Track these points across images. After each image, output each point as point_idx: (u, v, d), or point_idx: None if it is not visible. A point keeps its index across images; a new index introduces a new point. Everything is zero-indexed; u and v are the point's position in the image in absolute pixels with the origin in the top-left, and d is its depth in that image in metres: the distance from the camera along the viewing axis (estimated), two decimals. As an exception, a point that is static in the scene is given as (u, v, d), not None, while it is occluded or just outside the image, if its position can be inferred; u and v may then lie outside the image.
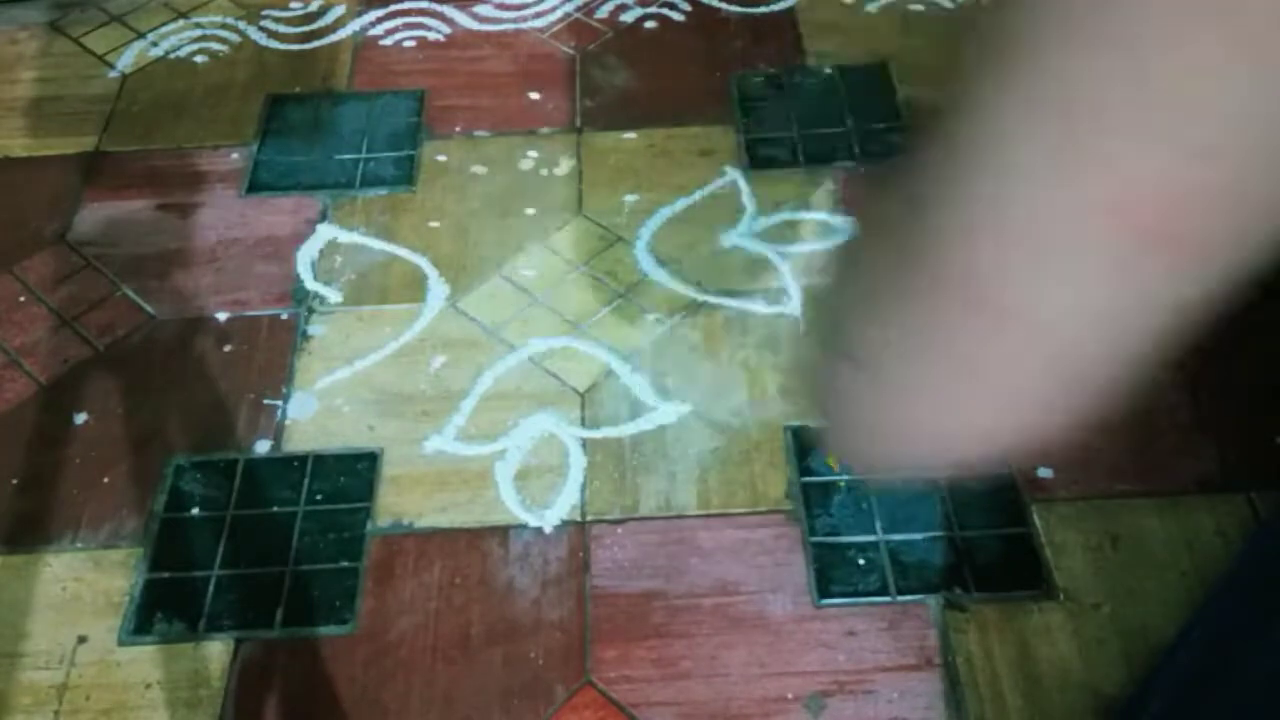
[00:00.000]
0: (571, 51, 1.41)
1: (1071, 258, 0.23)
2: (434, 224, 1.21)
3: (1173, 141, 0.22)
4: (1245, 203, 0.23)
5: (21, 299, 1.15)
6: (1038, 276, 0.24)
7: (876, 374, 0.28)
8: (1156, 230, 0.23)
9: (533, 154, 1.28)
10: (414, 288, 1.15)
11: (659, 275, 1.15)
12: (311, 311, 1.13)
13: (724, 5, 1.46)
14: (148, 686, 0.88)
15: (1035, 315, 0.25)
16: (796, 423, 1.02)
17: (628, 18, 1.45)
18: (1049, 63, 0.22)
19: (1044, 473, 0.98)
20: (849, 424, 0.31)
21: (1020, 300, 0.25)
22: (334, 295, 1.15)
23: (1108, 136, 0.22)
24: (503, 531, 0.96)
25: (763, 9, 1.45)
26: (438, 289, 1.15)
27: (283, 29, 1.45)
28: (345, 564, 0.94)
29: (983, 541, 0.94)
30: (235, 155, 1.29)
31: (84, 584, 0.94)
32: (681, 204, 1.22)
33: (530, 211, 1.22)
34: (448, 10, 1.47)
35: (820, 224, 1.20)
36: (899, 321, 0.27)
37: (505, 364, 1.08)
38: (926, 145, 0.27)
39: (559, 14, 1.46)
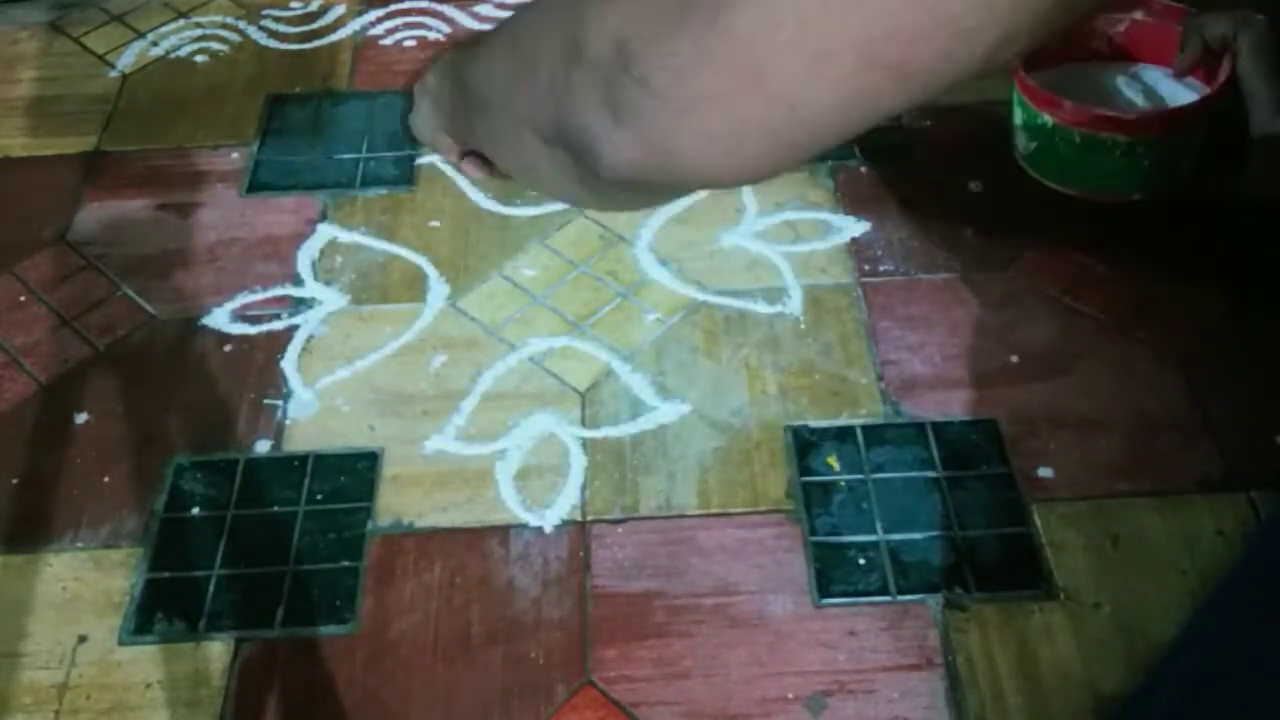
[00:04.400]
0: (572, 51, 1.40)
1: (823, 59, 0.30)
2: (434, 224, 1.21)
3: None
4: (958, 36, 0.29)
5: (22, 299, 1.15)
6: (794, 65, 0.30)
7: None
8: (890, 61, 0.29)
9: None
10: (414, 287, 1.15)
11: (659, 275, 1.15)
12: (312, 311, 1.13)
13: (724, 5, 1.46)
14: (148, 686, 0.88)
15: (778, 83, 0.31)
16: (797, 422, 1.03)
17: (628, 17, 1.45)
18: None
19: (1044, 473, 0.98)
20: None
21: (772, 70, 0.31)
22: (334, 295, 1.15)
23: None
24: (503, 531, 0.96)
25: (763, 9, 1.45)
26: (438, 288, 1.15)
27: (283, 28, 1.45)
28: (346, 564, 0.94)
29: (983, 541, 0.94)
30: (235, 155, 1.29)
31: (84, 584, 0.94)
32: (682, 203, 1.22)
33: (530, 211, 1.22)
34: (448, 10, 1.47)
35: (821, 223, 1.20)
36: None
37: (505, 364, 1.08)
38: None
39: (559, 14, 1.45)
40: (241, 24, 1.46)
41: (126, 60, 1.41)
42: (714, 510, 0.97)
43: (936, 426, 1.02)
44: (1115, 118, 1.11)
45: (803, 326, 1.10)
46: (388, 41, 1.43)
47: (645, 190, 0.42)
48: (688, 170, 0.35)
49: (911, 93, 0.31)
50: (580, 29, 0.36)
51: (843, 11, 0.29)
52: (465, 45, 0.54)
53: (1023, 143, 1.18)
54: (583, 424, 1.03)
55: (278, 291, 1.15)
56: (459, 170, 0.57)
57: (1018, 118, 1.17)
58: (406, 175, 1.26)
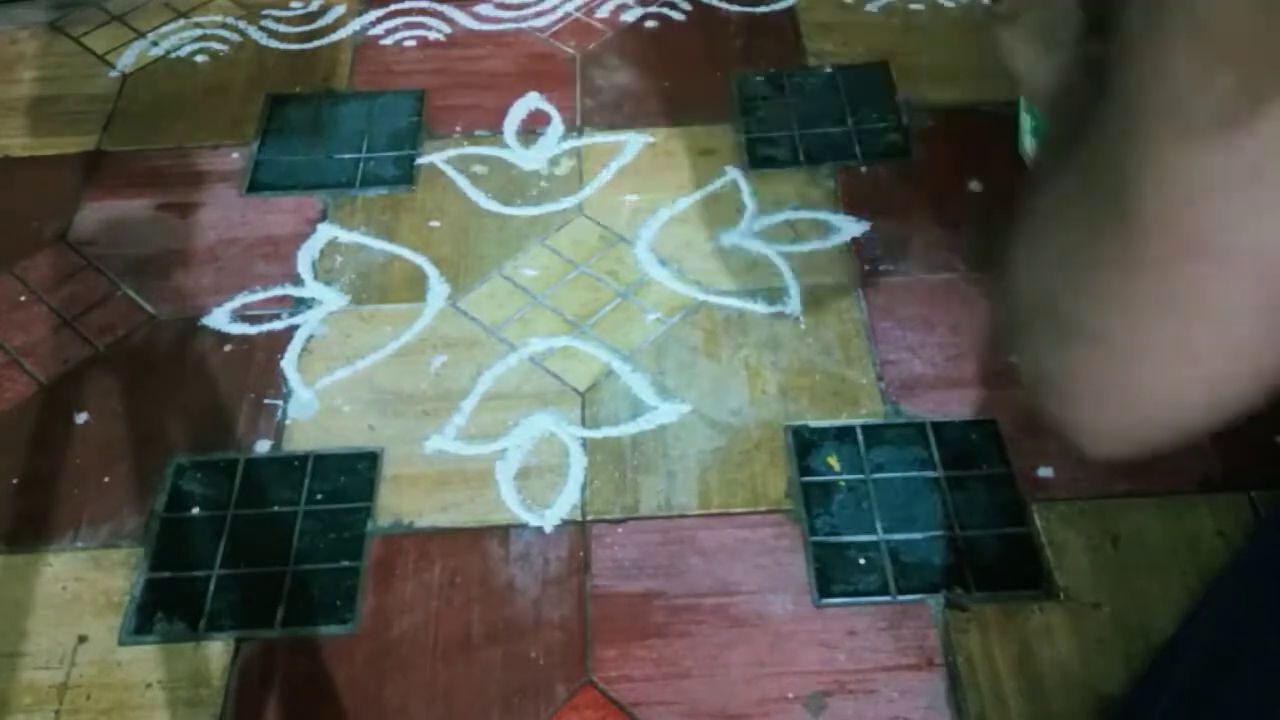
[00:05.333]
0: (572, 51, 1.41)
1: None
2: (434, 224, 1.21)
3: None
4: None
5: (22, 299, 1.15)
6: (1260, 214, 0.25)
7: (1098, 339, 0.29)
8: None
9: (533, 153, 1.28)
10: (414, 287, 1.15)
11: (659, 275, 1.15)
12: (312, 311, 1.13)
13: (724, 5, 1.46)
14: (148, 686, 0.88)
15: (1259, 249, 0.26)
16: (797, 422, 1.03)
17: (628, 17, 1.45)
18: None
19: (1044, 472, 0.98)
20: (1078, 399, 0.31)
21: (1243, 237, 0.26)
22: (334, 295, 1.15)
23: None
24: (503, 531, 0.96)
25: (763, 9, 1.45)
26: (438, 288, 1.15)
27: (283, 29, 1.45)
28: (346, 563, 0.94)
29: (983, 541, 0.94)
30: (235, 155, 1.29)
31: (84, 584, 0.94)
32: (682, 203, 1.22)
33: (530, 211, 1.22)
34: (448, 10, 1.47)
35: (820, 223, 1.20)
36: (1107, 283, 0.28)
37: (505, 364, 1.08)
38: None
39: (559, 14, 1.46)
40: (241, 24, 1.46)
41: (126, 60, 1.41)
42: (714, 510, 0.97)
43: (936, 426, 1.02)
44: None
45: (803, 326, 1.10)
46: (388, 41, 1.43)
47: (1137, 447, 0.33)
48: (1182, 410, 0.30)
49: None
50: (1007, 283, 0.32)
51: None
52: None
53: (1033, 147, 1.17)
54: (583, 424, 1.03)
55: (278, 291, 1.15)
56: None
57: (1026, 123, 1.17)
58: (406, 175, 1.26)
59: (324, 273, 1.17)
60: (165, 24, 1.46)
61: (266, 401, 1.06)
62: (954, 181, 1.23)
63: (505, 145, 1.29)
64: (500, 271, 1.16)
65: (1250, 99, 0.24)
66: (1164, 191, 0.26)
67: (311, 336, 1.11)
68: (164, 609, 0.92)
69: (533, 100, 1.34)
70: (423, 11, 1.47)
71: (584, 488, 0.99)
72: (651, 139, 1.29)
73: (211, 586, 0.93)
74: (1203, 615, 0.40)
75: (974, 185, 1.22)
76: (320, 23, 1.46)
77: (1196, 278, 0.26)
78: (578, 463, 1.00)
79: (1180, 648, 0.41)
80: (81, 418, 1.05)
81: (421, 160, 1.28)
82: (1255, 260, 0.26)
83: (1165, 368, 0.29)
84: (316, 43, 1.43)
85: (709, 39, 1.41)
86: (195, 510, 0.98)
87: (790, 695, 0.86)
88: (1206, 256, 0.26)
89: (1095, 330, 0.29)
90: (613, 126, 1.31)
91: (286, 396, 1.06)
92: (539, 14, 1.46)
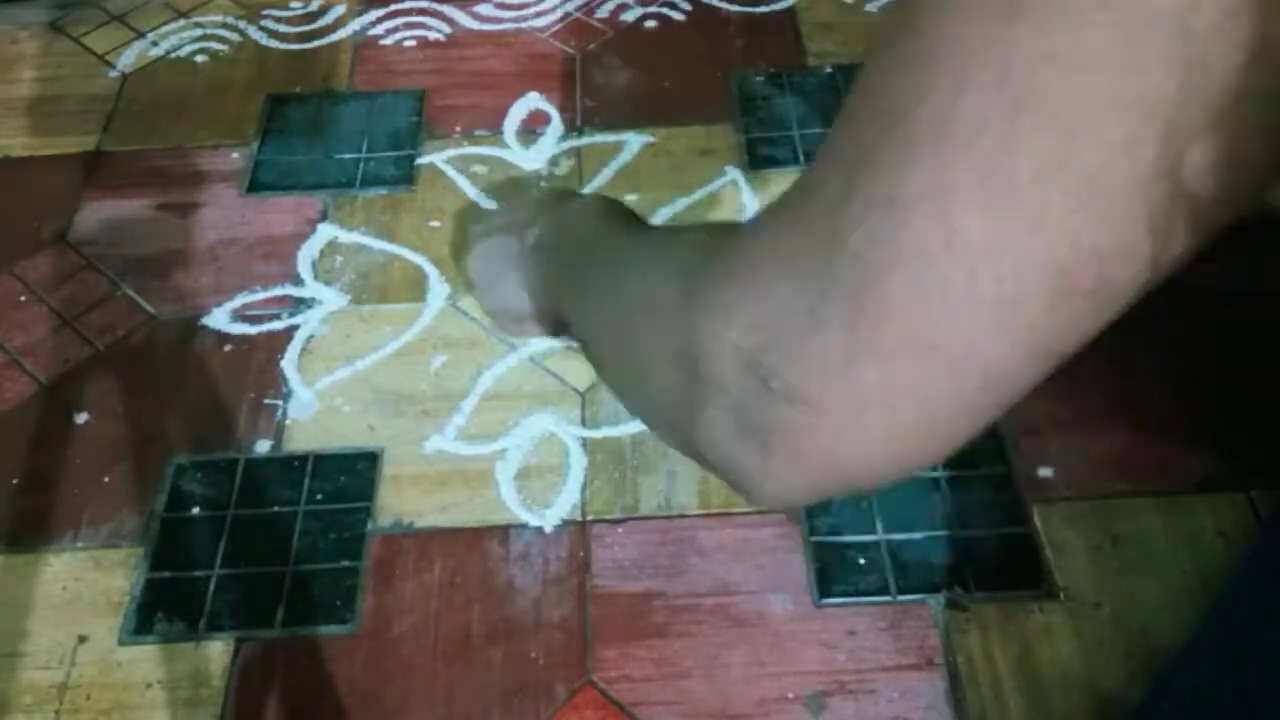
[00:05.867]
0: (572, 51, 1.41)
1: (1007, 306, 0.26)
2: (434, 224, 1.21)
3: (1108, 212, 0.25)
4: (1154, 260, 0.27)
5: (22, 299, 1.15)
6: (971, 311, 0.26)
7: (805, 402, 0.29)
8: (1084, 285, 0.26)
9: (533, 153, 1.28)
10: (414, 287, 1.15)
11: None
12: (312, 311, 1.13)
13: (724, 5, 1.46)
14: (148, 686, 0.88)
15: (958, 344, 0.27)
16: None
17: (628, 17, 1.45)
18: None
19: (1044, 472, 0.98)
20: (772, 456, 0.31)
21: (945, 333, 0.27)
22: (334, 295, 1.15)
23: (1058, 206, 0.25)
24: (503, 531, 0.96)
25: (763, 9, 1.45)
26: (438, 288, 1.15)
27: (283, 29, 1.45)
28: (345, 564, 0.94)
29: (983, 541, 0.94)
30: (235, 155, 1.29)
31: (84, 583, 0.94)
32: (682, 203, 1.22)
33: (530, 211, 1.22)
34: (448, 10, 1.47)
35: (820, 224, 1.20)
36: (825, 343, 0.28)
37: (505, 363, 1.08)
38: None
39: (559, 14, 1.46)
40: (241, 24, 1.46)
41: (126, 60, 1.41)
42: (714, 510, 0.97)
43: (936, 426, 1.02)
44: None
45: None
46: (388, 41, 1.43)
47: (820, 499, 0.34)
48: (873, 473, 0.30)
49: (1115, 308, 0.28)
50: (691, 342, 0.30)
51: (1019, 248, 0.25)
52: (545, 229, 0.46)
53: None
54: (583, 424, 1.03)
55: (278, 291, 1.15)
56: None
57: None
58: (406, 175, 1.26)
59: (324, 273, 1.17)
60: (165, 24, 1.46)
61: (266, 401, 1.06)
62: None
63: (505, 145, 1.29)
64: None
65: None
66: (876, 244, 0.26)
67: (311, 336, 1.11)
68: (164, 609, 0.92)
69: (533, 100, 1.34)
70: (423, 11, 1.47)
71: (584, 488, 0.99)
72: (651, 139, 1.29)
73: (211, 586, 0.93)
74: (1209, 619, 0.40)
75: (974, 185, 1.22)
76: (320, 23, 1.46)
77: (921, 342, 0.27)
78: (578, 463, 1.00)
79: (1187, 653, 0.41)
80: (81, 418, 1.05)
81: (421, 160, 1.28)
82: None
83: (871, 438, 0.28)
84: (316, 43, 1.43)
85: (709, 39, 1.41)
86: (195, 510, 0.98)
87: (790, 695, 0.86)
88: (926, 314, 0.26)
89: (807, 397, 0.28)
90: (613, 126, 1.31)
91: (286, 396, 1.06)
92: (539, 14, 1.46)
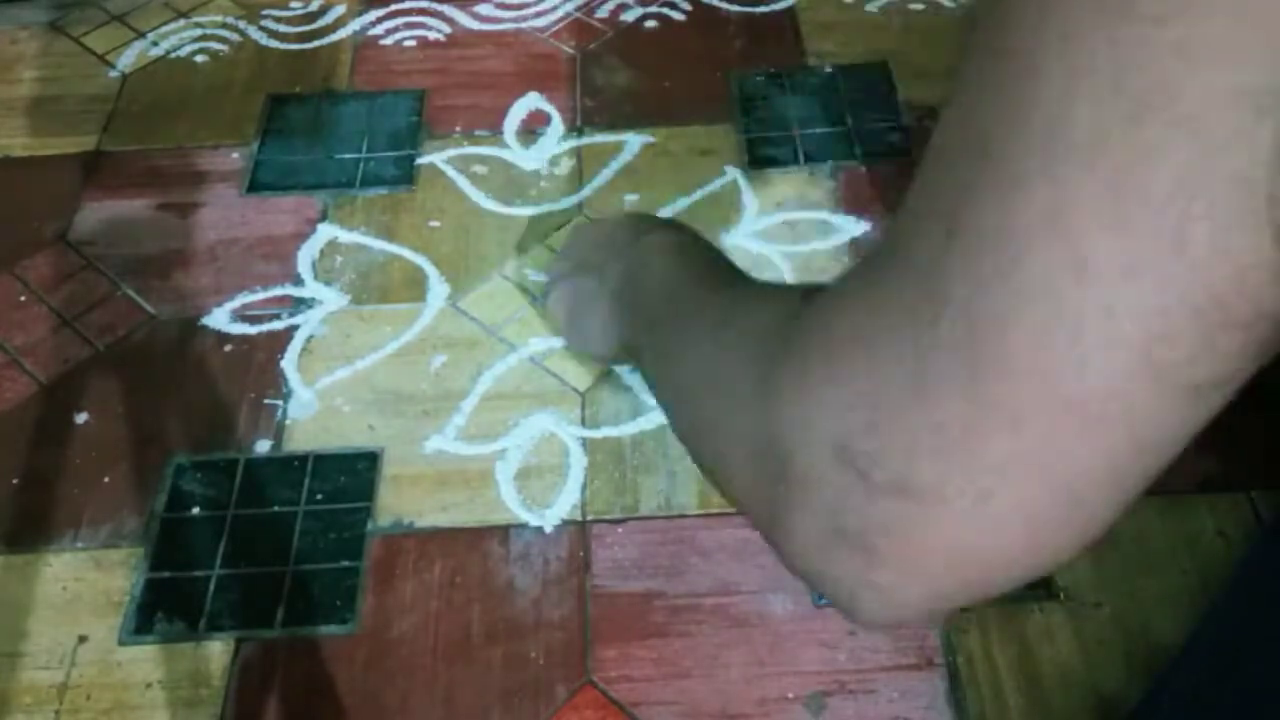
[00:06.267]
0: (572, 51, 1.41)
1: (1157, 344, 0.22)
2: (434, 224, 1.21)
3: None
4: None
5: (22, 299, 1.15)
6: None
7: (921, 491, 0.24)
8: (1250, 316, 0.22)
9: (533, 153, 1.28)
10: (414, 287, 1.15)
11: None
12: (312, 311, 1.13)
13: (724, 5, 1.46)
14: (148, 686, 0.88)
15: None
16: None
17: (628, 17, 1.45)
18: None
19: (1044, 472, 0.98)
20: (884, 562, 0.26)
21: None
22: (334, 295, 1.15)
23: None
24: (503, 531, 0.96)
25: (763, 9, 1.45)
26: (438, 288, 1.15)
27: (283, 29, 1.45)
28: (346, 563, 0.94)
29: (983, 541, 0.94)
30: (235, 155, 1.29)
31: (84, 583, 0.94)
32: (682, 203, 1.22)
33: (530, 211, 1.22)
34: (448, 10, 1.47)
35: (821, 223, 1.20)
36: (934, 417, 0.24)
37: (505, 363, 1.08)
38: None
39: (559, 14, 1.46)
40: (241, 24, 1.46)
41: (126, 60, 1.41)
42: (714, 510, 0.97)
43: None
44: None
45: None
46: (388, 41, 1.43)
47: (940, 614, 0.29)
48: (1007, 570, 0.25)
49: (1275, 341, 0.23)
50: (772, 433, 0.26)
51: (1163, 274, 0.21)
52: (626, 268, 0.42)
53: None
54: (583, 424, 1.03)
55: (278, 291, 1.15)
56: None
57: None
58: (406, 175, 1.26)
59: (324, 273, 1.17)
60: (165, 24, 1.46)
61: (266, 401, 1.06)
62: (954, 181, 1.23)
63: (505, 145, 1.29)
64: (500, 271, 1.16)
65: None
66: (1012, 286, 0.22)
67: (311, 336, 1.11)
68: (164, 609, 0.92)
69: (533, 100, 1.34)
70: (423, 11, 1.47)
71: (584, 488, 0.99)
72: (651, 139, 1.29)
73: (211, 586, 0.93)
74: (1208, 618, 0.40)
75: (974, 185, 1.22)
76: (320, 23, 1.46)
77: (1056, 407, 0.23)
78: (578, 463, 1.00)
79: (1186, 652, 0.41)
80: (81, 418, 1.05)
81: (421, 160, 1.28)
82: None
83: (1000, 524, 0.24)
84: (316, 43, 1.43)
85: (709, 39, 1.41)
86: (195, 510, 0.98)
87: (790, 695, 0.86)
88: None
89: (918, 483, 0.24)
90: (613, 126, 1.31)
91: (286, 396, 1.06)
92: (539, 14, 1.46)
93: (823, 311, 0.27)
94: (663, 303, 0.40)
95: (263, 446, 1.02)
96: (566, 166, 1.27)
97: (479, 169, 1.27)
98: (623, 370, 1.07)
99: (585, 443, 1.02)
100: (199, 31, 1.45)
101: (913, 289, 0.23)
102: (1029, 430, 0.22)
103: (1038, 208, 0.21)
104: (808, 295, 0.29)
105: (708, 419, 0.31)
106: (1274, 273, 0.21)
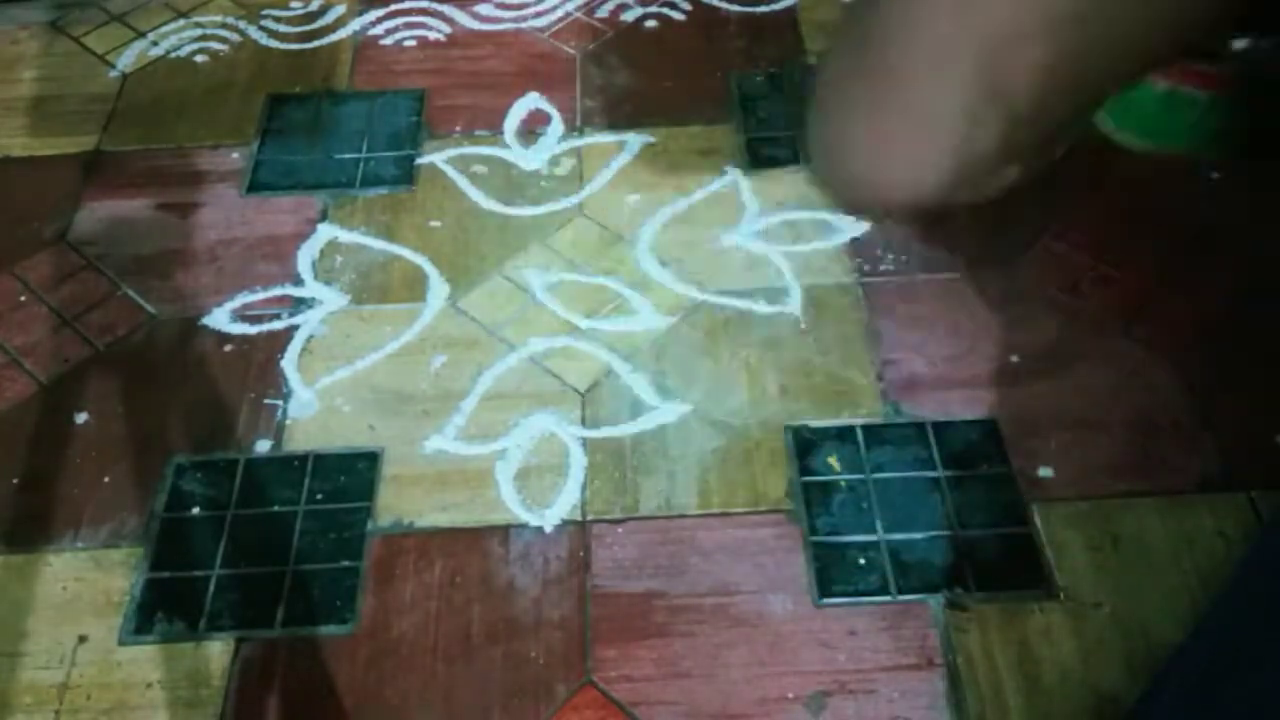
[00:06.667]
0: (572, 51, 1.41)
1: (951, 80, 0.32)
2: (434, 224, 1.21)
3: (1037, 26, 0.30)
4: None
5: (22, 299, 1.15)
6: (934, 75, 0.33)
7: (832, 99, 0.37)
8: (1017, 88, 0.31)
9: (533, 153, 1.28)
10: (414, 287, 1.15)
11: (659, 275, 1.15)
12: (312, 311, 1.13)
13: (724, 5, 1.46)
14: (148, 686, 0.88)
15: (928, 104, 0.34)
16: (797, 422, 1.02)
17: (628, 17, 1.45)
18: None
19: (1044, 473, 0.98)
20: (816, 149, 0.39)
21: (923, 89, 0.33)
22: (334, 295, 1.15)
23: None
24: (503, 531, 0.96)
25: (763, 8, 1.45)
26: (438, 288, 1.15)
27: (283, 28, 1.45)
28: (346, 563, 0.94)
29: (983, 541, 0.94)
30: (235, 155, 1.29)
31: (84, 583, 0.94)
32: (682, 203, 1.22)
33: (530, 211, 1.22)
34: (448, 10, 1.47)
35: (821, 223, 1.20)
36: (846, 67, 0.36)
37: (505, 364, 1.08)
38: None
39: (559, 13, 1.46)
40: (241, 24, 1.46)
41: (126, 60, 1.41)
42: (714, 510, 0.97)
43: (937, 426, 1.02)
44: (1202, 72, 1.09)
45: (803, 326, 1.10)
46: (388, 41, 1.43)
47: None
48: (891, 191, 0.38)
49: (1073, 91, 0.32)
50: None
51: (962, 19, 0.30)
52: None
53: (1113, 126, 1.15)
54: (583, 424, 1.03)
55: (278, 291, 1.15)
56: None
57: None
58: (406, 175, 1.26)
59: (324, 273, 1.17)
60: (165, 24, 1.46)
61: (266, 401, 1.06)
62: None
63: (505, 145, 1.29)
64: (500, 271, 1.16)
65: None
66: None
67: (311, 336, 1.11)
68: (164, 609, 0.92)
69: (533, 100, 1.34)
70: (423, 11, 1.47)
71: (584, 488, 0.99)
72: (651, 139, 1.29)
73: (211, 586, 0.93)
74: (1209, 617, 0.40)
75: (974, 185, 1.22)
76: (320, 23, 1.46)
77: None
78: (578, 463, 1.00)
79: (1187, 651, 0.41)
80: (81, 418, 1.05)
81: (421, 160, 1.28)
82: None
83: (884, 163, 0.36)
84: (316, 43, 1.43)
85: (709, 39, 1.41)
86: (195, 510, 0.98)
87: (790, 695, 0.86)
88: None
89: (860, 109, 0.36)
90: (613, 126, 1.31)
91: (286, 396, 1.06)
92: (539, 14, 1.46)
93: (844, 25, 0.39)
94: None
95: (263, 446, 1.02)
96: (566, 166, 1.27)
97: (479, 169, 1.27)
98: (622, 369, 1.07)
99: (585, 443, 1.02)
100: (199, 31, 1.45)
101: (857, 38, 0.36)
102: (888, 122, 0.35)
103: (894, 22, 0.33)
104: None
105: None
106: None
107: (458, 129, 1.31)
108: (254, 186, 1.26)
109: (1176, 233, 1.16)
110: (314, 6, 1.48)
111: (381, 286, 1.15)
